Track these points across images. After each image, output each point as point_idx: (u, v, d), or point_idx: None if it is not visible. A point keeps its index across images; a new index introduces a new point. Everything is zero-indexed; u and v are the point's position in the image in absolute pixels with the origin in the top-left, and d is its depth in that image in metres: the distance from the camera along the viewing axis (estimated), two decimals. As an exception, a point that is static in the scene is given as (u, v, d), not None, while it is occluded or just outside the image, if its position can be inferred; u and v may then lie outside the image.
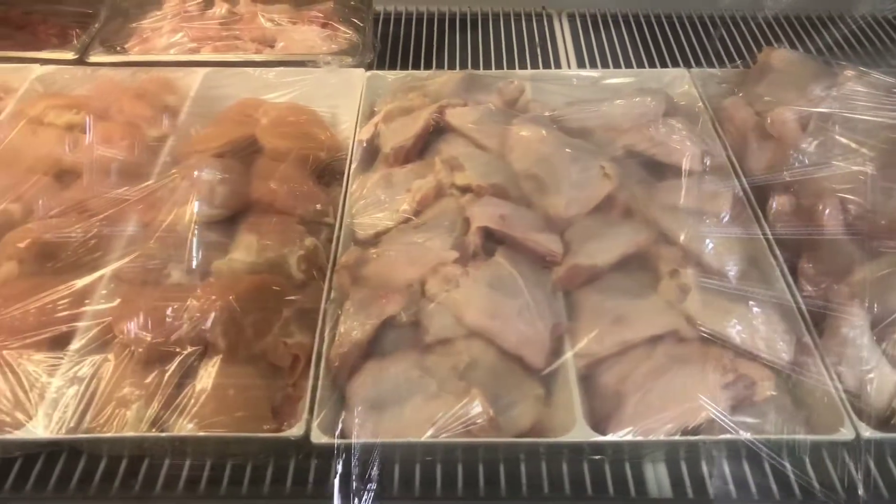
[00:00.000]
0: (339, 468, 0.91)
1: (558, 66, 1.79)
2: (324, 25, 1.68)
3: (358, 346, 0.99)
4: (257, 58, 1.59)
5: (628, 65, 1.80)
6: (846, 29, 1.87)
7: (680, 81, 1.53)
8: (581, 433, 0.91)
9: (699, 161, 1.26)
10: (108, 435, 0.91)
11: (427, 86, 1.45)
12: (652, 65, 1.79)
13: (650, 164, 1.28)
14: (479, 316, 1.01)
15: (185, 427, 0.94)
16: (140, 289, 1.06)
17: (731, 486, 0.93)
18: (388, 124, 1.36)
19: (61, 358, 0.99)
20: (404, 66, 1.76)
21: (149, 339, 0.98)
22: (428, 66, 1.77)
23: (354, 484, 0.93)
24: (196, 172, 1.20)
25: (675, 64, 1.75)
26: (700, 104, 1.44)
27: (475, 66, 1.79)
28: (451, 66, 1.78)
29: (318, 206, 1.21)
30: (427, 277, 1.06)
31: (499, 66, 1.79)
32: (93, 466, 0.98)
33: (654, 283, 1.08)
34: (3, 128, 1.36)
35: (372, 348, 1.01)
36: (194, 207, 1.16)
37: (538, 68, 1.78)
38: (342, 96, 1.53)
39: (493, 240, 1.13)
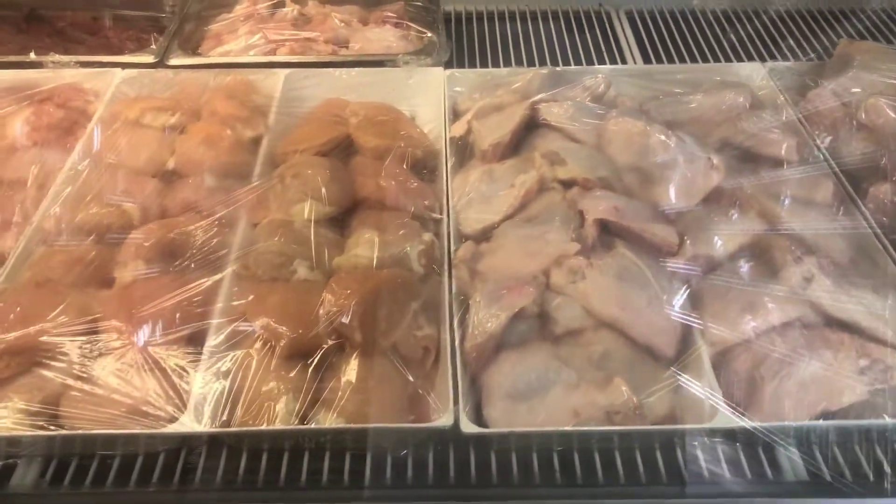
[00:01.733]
0: (491, 457, 0.92)
1: (624, 61, 1.81)
2: (397, 25, 1.69)
3: (493, 337, 1.00)
4: (337, 58, 1.61)
5: (693, 60, 1.82)
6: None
7: (757, 75, 1.54)
8: (725, 419, 0.93)
9: (795, 152, 1.28)
10: (268, 428, 0.92)
11: (512, 82, 1.47)
12: (716, 59, 1.80)
13: (745, 156, 1.29)
14: (610, 307, 1.03)
15: (331, 420, 0.94)
16: (271, 285, 1.07)
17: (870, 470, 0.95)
18: (481, 121, 1.37)
19: (200, 354, 1.00)
20: (471, 64, 1.77)
21: (289, 333, 0.98)
22: (495, 64, 1.78)
23: (502, 472, 0.94)
24: (309, 171, 1.21)
25: (738, 58, 1.78)
26: (781, 98, 1.45)
27: (541, 62, 1.81)
28: (518, 64, 1.80)
29: (426, 202, 1.22)
30: (551, 269, 1.07)
31: (565, 63, 1.80)
32: (235, 460, 0.98)
33: (771, 271, 1.10)
34: (100, 130, 1.37)
35: (502, 339, 1.02)
36: (310, 205, 1.17)
37: (605, 64, 1.78)
38: (422, 95, 1.55)
39: (605, 232, 1.14)
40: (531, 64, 1.80)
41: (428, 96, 1.54)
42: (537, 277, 1.06)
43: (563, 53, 1.85)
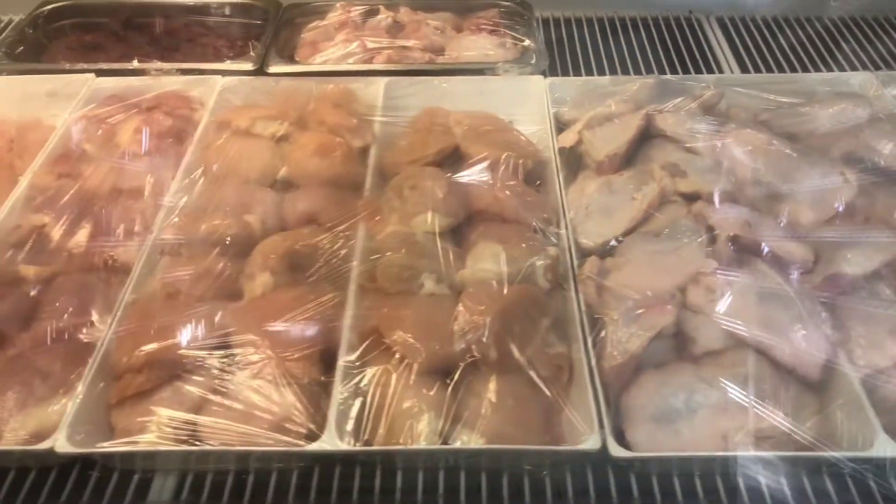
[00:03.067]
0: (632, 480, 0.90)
1: (721, 70, 1.77)
2: (492, 32, 1.67)
3: (634, 357, 0.98)
4: (435, 66, 1.59)
5: (791, 68, 1.78)
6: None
7: (869, 84, 1.49)
8: (885, 446, 0.89)
9: (923, 165, 1.23)
10: (421, 447, 0.91)
11: (619, 92, 1.44)
12: (815, 68, 1.76)
13: (872, 170, 1.25)
14: (753, 327, 1.00)
15: (473, 440, 0.93)
16: (401, 299, 1.05)
17: None
18: (593, 131, 1.35)
19: (334, 369, 0.99)
20: (563, 72, 1.75)
21: (427, 350, 0.97)
22: (587, 72, 1.75)
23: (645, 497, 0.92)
24: (427, 182, 1.19)
25: (837, 65, 1.74)
26: (898, 107, 1.41)
27: (635, 71, 1.78)
28: (612, 72, 1.77)
29: (545, 215, 1.20)
30: (687, 287, 1.04)
31: (660, 71, 1.77)
32: (370, 478, 0.97)
33: (914, 291, 1.06)
34: (207, 139, 1.37)
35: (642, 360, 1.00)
36: (430, 217, 1.15)
37: (701, 73, 1.75)
38: (521, 103, 1.53)
39: (734, 248, 1.11)
40: (624, 72, 1.77)
41: (527, 105, 1.52)
42: (675, 295, 1.03)
43: (656, 61, 1.82)
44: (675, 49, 1.86)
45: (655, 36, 1.92)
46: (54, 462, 0.97)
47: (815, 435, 0.94)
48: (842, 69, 1.76)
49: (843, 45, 1.85)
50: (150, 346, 0.97)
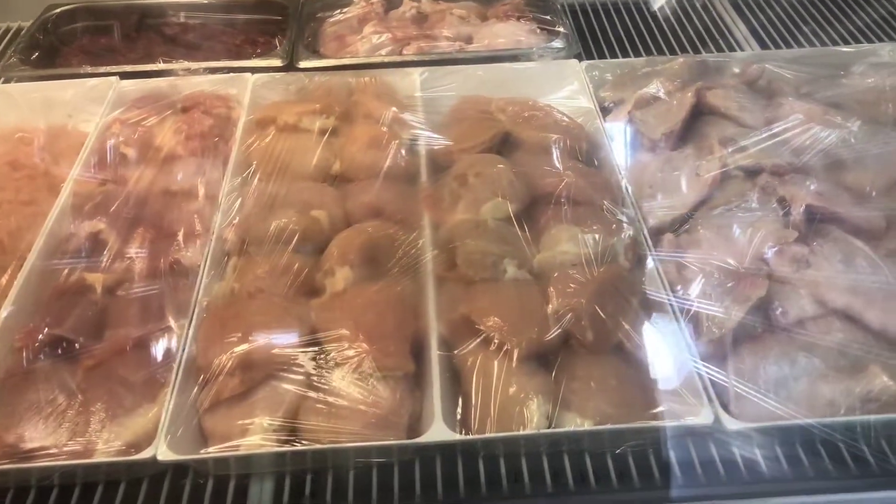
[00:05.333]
0: (758, 453, 0.90)
1: (741, 48, 1.78)
2: (520, 19, 1.66)
3: (733, 330, 0.98)
4: (469, 55, 1.58)
5: (810, 43, 1.79)
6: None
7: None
8: None
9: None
10: (537, 432, 0.89)
11: (662, 72, 1.44)
12: (833, 42, 1.78)
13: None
14: (841, 294, 1.00)
15: (581, 421, 0.92)
16: (488, 286, 1.04)
17: None
18: (643, 111, 1.35)
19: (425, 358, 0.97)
20: (589, 56, 1.74)
21: (526, 335, 0.96)
22: (612, 55, 1.75)
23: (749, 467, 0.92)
24: (492, 169, 1.18)
25: (854, 38, 1.77)
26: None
27: (658, 51, 1.78)
28: (636, 54, 1.77)
29: (612, 195, 1.19)
30: (771, 258, 1.05)
31: (682, 50, 1.78)
32: (473, 468, 0.96)
33: None
34: (250, 136, 1.34)
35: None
36: (499, 203, 1.14)
37: (722, 50, 1.76)
38: (558, 87, 1.52)
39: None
40: (648, 53, 1.77)
41: (564, 89, 1.51)
42: (761, 267, 1.03)
43: (676, 41, 1.82)
44: (693, 28, 1.87)
45: (671, 16, 1.91)
46: (150, 472, 0.94)
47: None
48: (854, 38, 1.78)
49: (852, 14, 1.88)
50: (242, 348, 0.94)
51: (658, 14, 1.90)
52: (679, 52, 1.77)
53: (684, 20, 1.90)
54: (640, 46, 1.79)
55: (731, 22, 1.89)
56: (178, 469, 0.96)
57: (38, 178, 1.31)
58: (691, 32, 1.86)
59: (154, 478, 0.96)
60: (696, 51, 1.78)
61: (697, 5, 1.96)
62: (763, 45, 1.79)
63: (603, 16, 1.91)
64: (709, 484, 0.94)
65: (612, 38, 1.82)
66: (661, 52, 1.77)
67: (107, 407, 0.93)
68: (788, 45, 1.79)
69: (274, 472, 0.96)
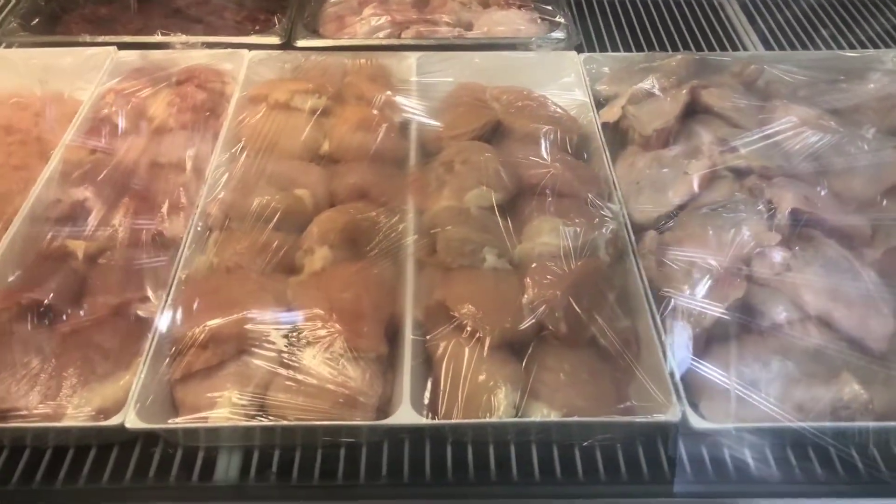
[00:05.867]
0: (726, 453, 0.90)
1: (745, 48, 1.77)
2: (522, 7, 1.65)
3: (706, 331, 0.97)
4: (467, 41, 1.57)
5: (815, 46, 1.78)
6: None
7: (899, 61, 1.50)
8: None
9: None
10: (505, 421, 0.90)
11: (659, 68, 1.44)
12: (838, 45, 1.77)
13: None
14: (820, 299, 1.00)
15: (548, 413, 0.92)
16: (465, 273, 1.04)
17: None
18: (637, 106, 1.34)
19: (399, 342, 0.97)
20: (590, 49, 1.73)
21: (499, 324, 0.96)
22: (614, 49, 1.74)
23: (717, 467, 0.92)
24: (479, 157, 1.18)
25: (860, 43, 1.76)
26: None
27: (660, 47, 1.77)
28: (638, 49, 1.75)
29: (598, 189, 1.19)
30: (752, 260, 1.04)
31: (685, 47, 1.77)
32: (441, 453, 0.96)
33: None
34: (242, 112, 1.34)
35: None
36: (484, 192, 1.14)
37: (726, 49, 1.75)
38: (554, 79, 1.52)
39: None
40: (650, 48, 1.76)
41: (561, 80, 1.51)
42: (741, 269, 1.03)
43: (680, 38, 1.81)
44: (698, 26, 1.86)
45: (677, 12, 1.90)
46: (119, 438, 0.95)
47: (886, 405, 0.95)
48: (864, 46, 1.76)
49: (862, 21, 1.86)
50: (216, 321, 0.94)
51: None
52: (682, 49, 1.76)
53: (689, 17, 1.89)
54: (642, 41, 1.78)
55: (737, 22, 1.88)
56: (149, 437, 0.96)
57: (30, 143, 1.32)
58: (695, 30, 1.84)
59: (124, 445, 0.97)
60: (699, 48, 1.77)
61: (705, 4, 1.94)
62: (768, 47, 1.78)
63: (607, 8, 1.90)
64: (675, 482, 0.94)
65: (615, 32, 1.81)
66: (663, 48, 1.76)
67: (80, 373, 0.94)
68: (792, 47, 1.78)
69: (242, 447, 0.96)
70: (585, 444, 0.97)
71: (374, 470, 0.95)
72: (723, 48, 1.76)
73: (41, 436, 0.94)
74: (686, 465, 0.95)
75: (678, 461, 0.95)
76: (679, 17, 1.89)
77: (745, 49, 1.77)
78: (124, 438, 0.95)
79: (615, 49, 1.75)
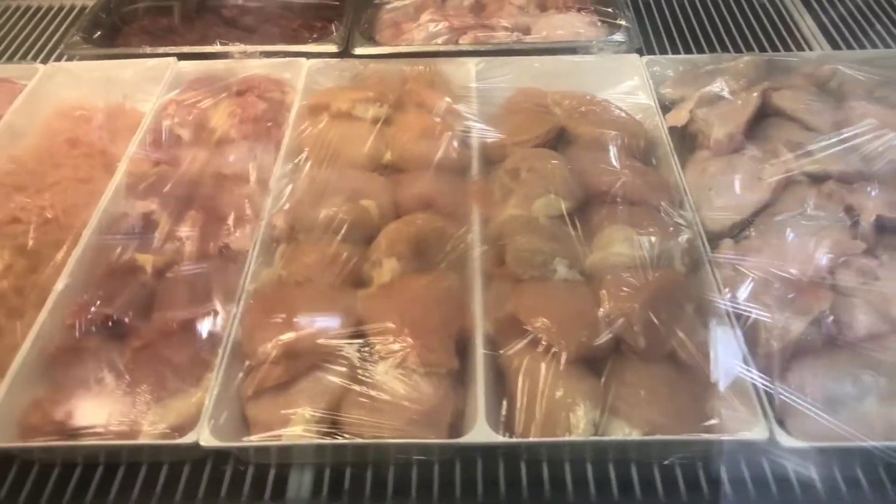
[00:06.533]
0: (815, 472, 0.86)
1: (810, 47, 1.71)
2: (581, 10, 1.62)
3: (793, 343, 0.94)
4: (526, 46, 1.54)
5: (885, 45, 1.71)
6: None
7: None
8: None
9: None
10: (586, 439, 0.87)
11: (726, 70, 1.39)
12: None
13: None
14: (911, 310, 0.95)
15: (628, 430, 0.89)
16: (537, 285, 1.02)
17: None
18: (706, 109, 1.30)
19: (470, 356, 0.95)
20: (649, 51, 1.69)
21: (576, 338, 0.93)
22: (674, 51, 1.70)
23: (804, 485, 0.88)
24: (546, 164, 1.15)
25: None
26: None
27: (722, 48, 1.73)
28: (698, 50, 1.71)
29: (669, 196, 1.15)
30: (836, 270, 1.00)
31: (746, 48, 1.72)
32: (515, 471, 0.94)
33: None
34: (303, 122, 1.33)
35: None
36: (551, 200, 1.11)
37: (790, 49, 1.70)
38: (616, 82, 1.48)
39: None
40: (711, 50, 1.71)
41: (623, 84, 1.47)
42: (825, 278, 0.99)
43: (741, 38, 1.76)
44: (760, 26, 1.80)
45: (737, 11, 1.85)
46: (192, 456, 0.94)
47: None
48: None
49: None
50: (288, 336, 0.93)
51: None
52: (744, 49, 1.72)
53: (750, 16, 1.84)
54: (702, 42, 1.73)
55: (799, 18, 1.82)
56: (220, 455, 0.96)
57: (95, 156, 1.33)
58: (757, 29, 1.79)
59: (196, 462, 0.96)
60: (762, 48, 1.72)
61: (766, 1, 1.88)
62: (835, 46, 1.71)
63: (666, 9, 1.85)
64: (759, 501, 0.90)
65: (675, 33, 1.77)
66: (724, 49, 1.72)
67: (152, 389, 0.94)
68: (861, 45, 1.71)
69: (314, 464, 0.95)
70: (666, 462, 0.93)
71: (448, 487, 0.93)
72: (786, 48, 1.71)
73: (115, 453, 0.94)
74: (771, 485, 0.91)
75: (764, 481, 0.91)
76: (739, 16, 1.84)
77: (809, 48, 1.71)
78: (196, 456, 0.94)
79: (673, 51, 1.71)
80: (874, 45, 1.71)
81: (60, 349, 0.99)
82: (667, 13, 1.84)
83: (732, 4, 1.89)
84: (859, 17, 1.80)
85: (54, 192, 1.23)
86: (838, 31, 1.76)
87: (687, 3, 1.88)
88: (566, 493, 0.92)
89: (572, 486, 0.92)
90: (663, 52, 1.69)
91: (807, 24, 1.80)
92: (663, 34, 1.76)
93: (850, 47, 1.71)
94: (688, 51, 1.70)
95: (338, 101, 1.32)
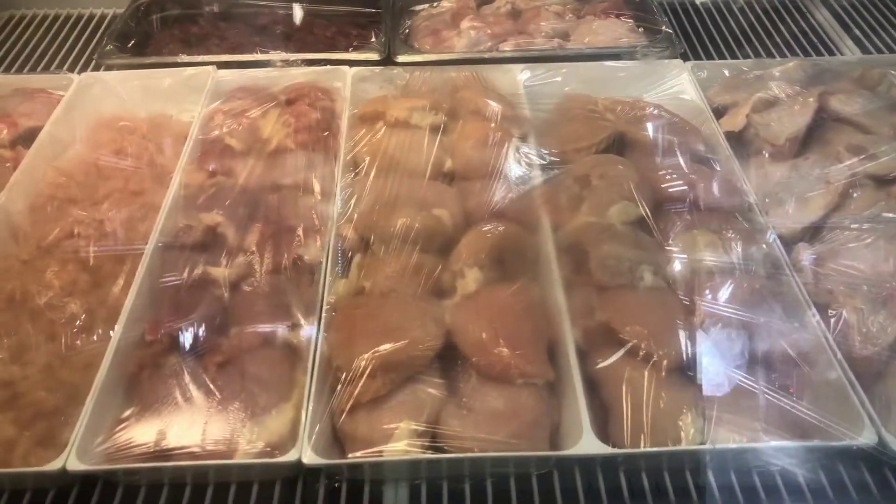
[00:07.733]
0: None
1: (840, 52, 1.73)
2: (620, 16, 1.62)
3: (889, 347, 0.94)
4: (570, 52, 1.54)
5: (914, 45, 1.74)
6: None
7: None
8: None
9: None
10: (699, 448, 0.86)
11: (776, 75, 1.40)
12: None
13: None
14: None
15: (735, 438, 0.88)
16: (621, 292, 1.01)
17: None
18: (762, 114, 1.31)
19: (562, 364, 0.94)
20: (684, 57, 1.69)
21: (672, 346, 0.92)
22: (708, 57, 1.71)
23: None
24: (617, 171, 1.15)
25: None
26: None
27: (754, 53, 1.74)
28: (731, 55, 1.72)
29: (738, 200, 1.16)
30: (922, 272, 1.01)
31: (780, 54, 1.74)
32: (614, 480, 0.93)
33: None
34: (356, 131, 1.31)
35: (892, 349, 0.96)
36: (625, 206, 1.11)
37: (821, 53, 1.72)
38: (660, 87, 1.49)
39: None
40: (745, 55, 1.73)
41: (668, 89, 1.48)
42: (914, 282, 0.99)
43: (773, 44, 1.78)
44: (788, 30, 1.82)
45: (765, 20, 1.87)
46: (286, 474, 0.92)
47: None
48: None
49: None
50: (385, 348, 0.91)
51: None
52: (776, 54, 1.73)
53: (779, 23, 1.86)
54: (734, 47, 1.75)
55: (828, 26, 1.84)
56: (311, 472, 0.93)
57: (143, 167, 1.29)
58: (787, 35, 1.81)
59: (287, 479, 0.93)
60: (794, 53, 1.73)
61: (792, 9, 1.91)
62: (864, 51, 1.74)
63: (694, 17, 1.87)
64: (863, 506, 0.90)
65: (706, 39, 1.78)
66: (757, 55, 1.73)
67: (244, 406, 0.91)
68: (891, 50, 1.73)
69: (409, 480, 0.93)
70: (761, 469, 0.93)
71: (549, 499, 0.91)
72: (818, 53, 1.73)
73: (205, 473, 0.91)
74: (874, 492, 0.91)
75: (869, 487, 0.91)
76: (768, 23, 1.86)
77: (839, 51, 1.74)
78: (290, 474, 0.92)
79: (708, 56, 1.73)
80: (899, 50, 1.73)
81: (141, 367, 0.95)
82: (695, 19, 1.85)
83: (760, 12, 1.90)
84: (885, 23, 1.83)
85: (108, 205, 1.19)
86: (866, 37, 1.78)
87: (714, 11, 1.88)
88: (668, 500, 0.91)
89: (674, 495, 0.91)
90: (697, 57, 1.69)
91: (834, 29, 1.83)
92: (694, 40, 1.76)
93: (879, 51, 1.73)
94: (721, 56, 1.71)
95: (394, 110, 1.30)
